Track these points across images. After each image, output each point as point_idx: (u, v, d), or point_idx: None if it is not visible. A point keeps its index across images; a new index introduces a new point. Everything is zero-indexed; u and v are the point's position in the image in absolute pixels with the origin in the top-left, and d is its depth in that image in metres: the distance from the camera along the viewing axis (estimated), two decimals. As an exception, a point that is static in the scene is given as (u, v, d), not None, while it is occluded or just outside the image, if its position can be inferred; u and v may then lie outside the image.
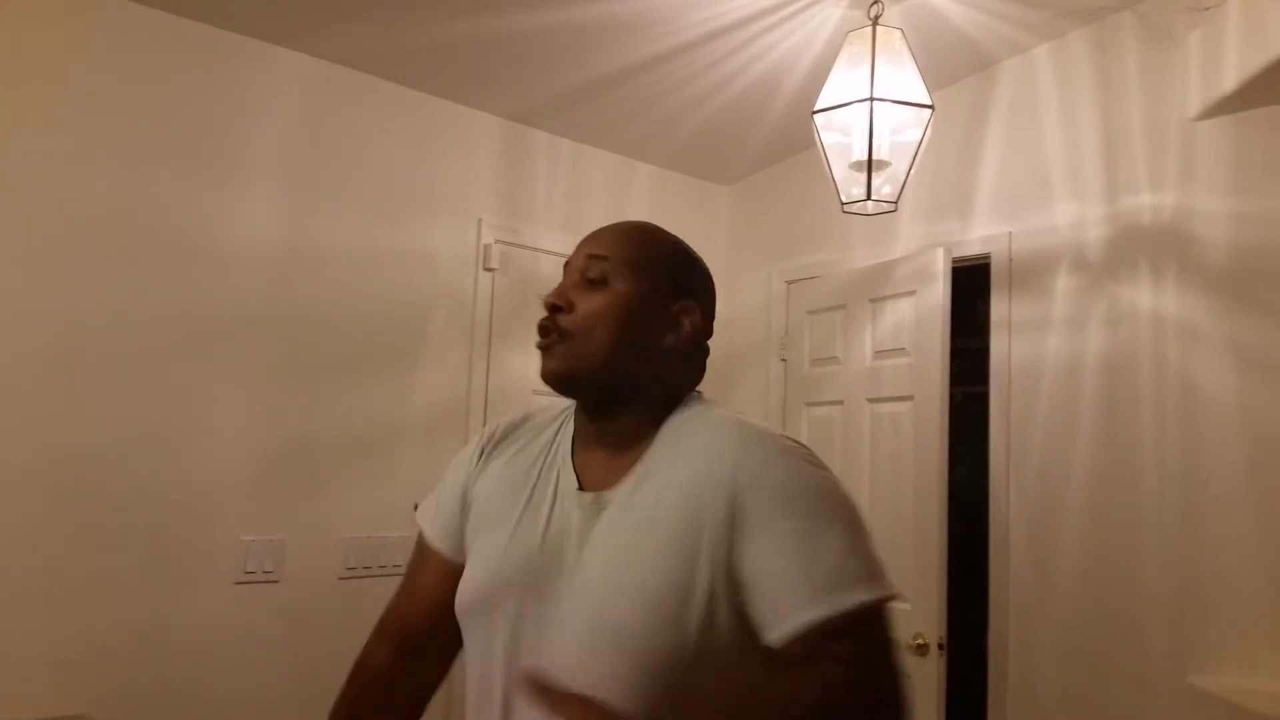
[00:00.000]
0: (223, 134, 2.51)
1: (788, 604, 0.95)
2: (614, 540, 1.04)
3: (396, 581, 2.90)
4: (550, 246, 3.09)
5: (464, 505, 1.21)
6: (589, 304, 1.11)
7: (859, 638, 0.94)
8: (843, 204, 2.31)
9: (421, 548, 1.25)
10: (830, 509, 1.00)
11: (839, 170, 2.29)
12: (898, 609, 2.83)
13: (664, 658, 0.98)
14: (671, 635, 0.98)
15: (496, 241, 3.03)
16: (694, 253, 1.20)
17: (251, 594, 2.47)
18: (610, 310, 1.10)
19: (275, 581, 2.51)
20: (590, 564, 1.04)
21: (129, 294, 2.34)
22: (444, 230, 2.93)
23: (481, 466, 1.22)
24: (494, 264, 3.01)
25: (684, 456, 1.06)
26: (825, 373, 3.16)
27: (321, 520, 2.61)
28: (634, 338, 1.11)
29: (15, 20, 2.21)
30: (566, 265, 1.17)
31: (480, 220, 3.00)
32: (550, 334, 1.11)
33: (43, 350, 2.21)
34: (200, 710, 2.34)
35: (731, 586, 0.98)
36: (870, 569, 0.97)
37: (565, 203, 3.24)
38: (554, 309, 1.12)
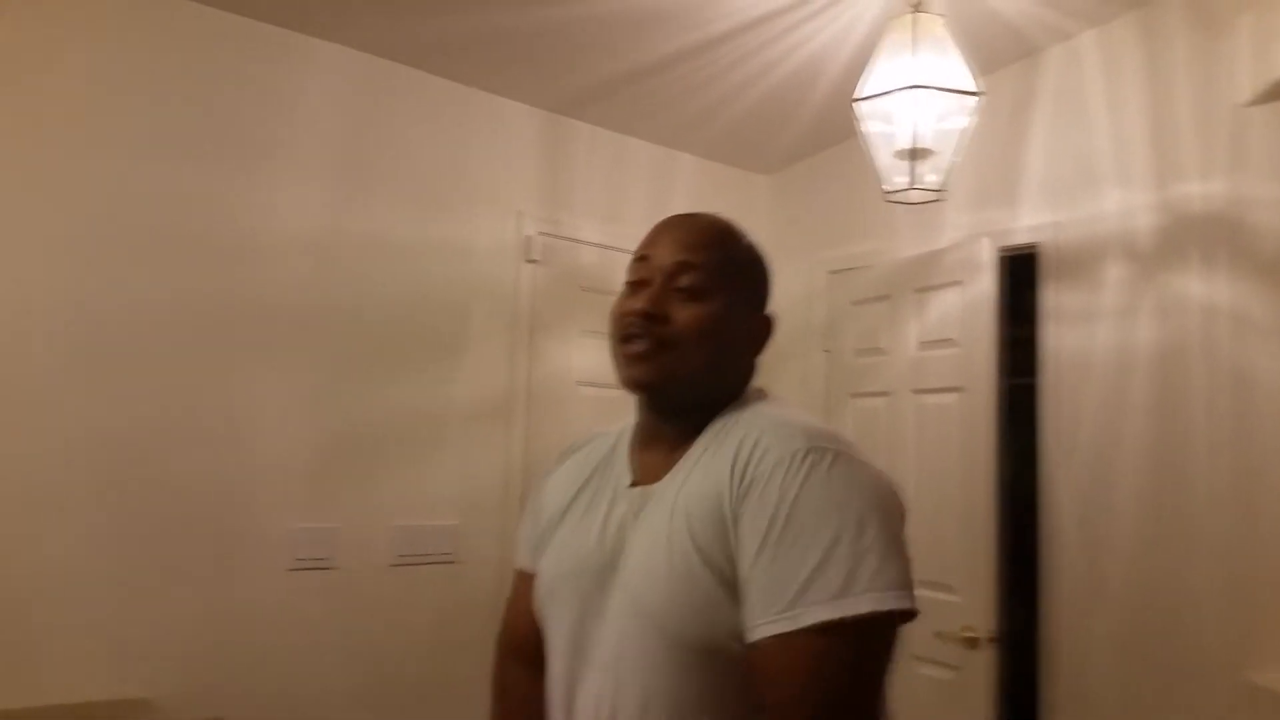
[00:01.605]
0: (265, 127, 2.56)
1: (756, 611, 0.95)
2: (651, 529, 1.08)
3: (446, 569, 2.94)
4: (591, 238, 3.12)
5: (539, 518, 1.27)
6: (686, 315, 1.10)
7: (817, 653, 0.92)
8: (886, 193, 2.30)
9: (519, 571, 1.32)
10: (825, 519, 0.95)
11: (882, 159, 2.28)
12: (941, 602, 2.78)
13: (693, 642, 1.00)
14: (696, 620, 1.00)
15: (538, 233, 3.05)
16: (764, 253, 1.22)
17: (305, 580, 2.53)
18: (709, 325, 1.11)
19: (329, 569, 2.57)
20: (632, 553, 1.08)
21: (180, 287, 2.40)
22: (486, 222, 2.96)
23: (552, 478, 1.29)
24: (536, 256, 3.03)
25: (721, 450, 1.07)
26: (870, 364, 3.14)
27: (372, 508, 2.66)
28: (726, 351, 1.14)
29: (57, 18, 2.27)
30: (642, 262, 1.16)
31: (522, 212, 3.03)
32: (642, 340, 1.10)
33: (100, 344, 2.28)
34: (256, 693, 2.41)
35: (726, 589, 0.99)
36: (848, 583, 0.92)
37: (606, 194, 3.25)
38: (648, 316, 1.10)
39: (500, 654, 1.34)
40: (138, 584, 2.29)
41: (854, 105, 2.26)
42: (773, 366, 1.16)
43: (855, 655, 0.93)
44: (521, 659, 1.28)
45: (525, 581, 1.28)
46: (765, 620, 0.94)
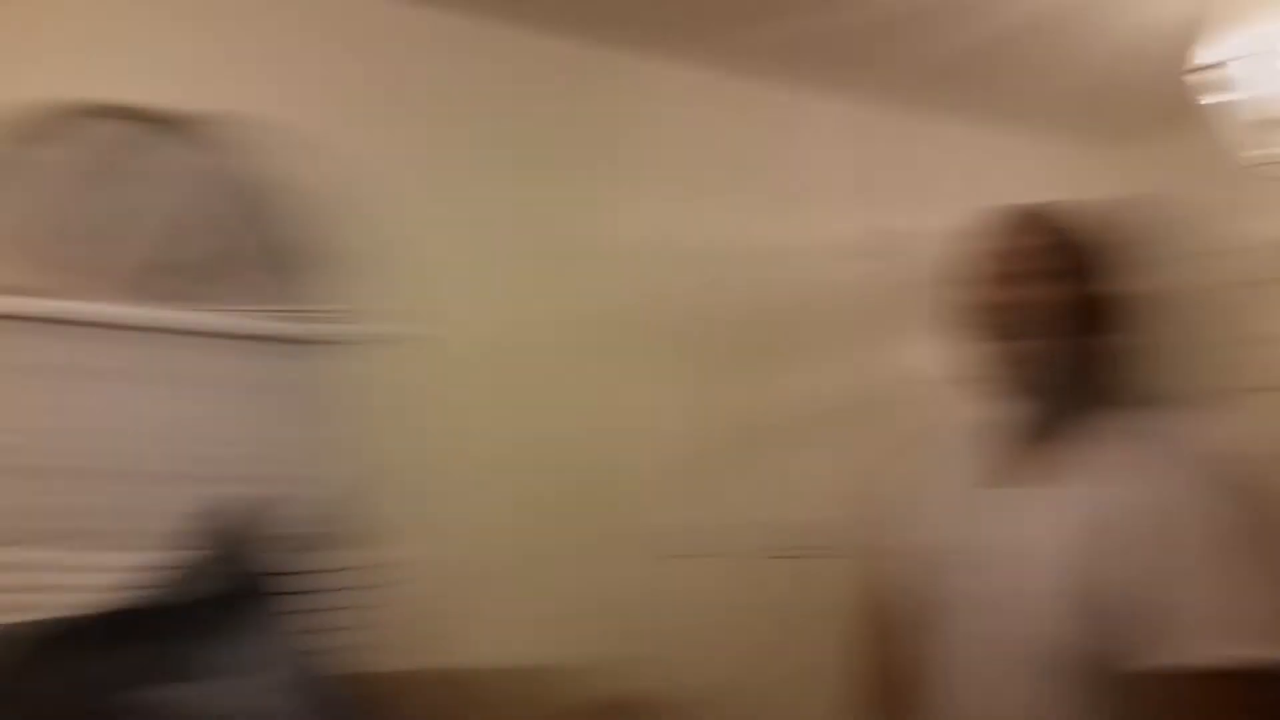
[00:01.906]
0: (624, 149, 2.81)
1: (1151, 640, 0.93)
2: (1020, 536, 1.06)
3: (815, 564, 2.99)
4: (928, 230, 3.06)
5: (899, 500, 1.32)
6: (1050, 298, 1.10)
7: (1212, 695, 0.89)
8: (1254, 166, 2.11)
9: (879, 548, 1.35)
10: (1232, 555, 0.93)
11: (1243, 129, 2.10)
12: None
13: (1041, 657, 0.99)
14: (1054, 637, 0.99)
15: (876, 229, 3.07)
16: (1123, 235, 1.20)
17: (686, 568, 2.71)
18: (1072, 306, 1.10)
19: (707, 557, 2.74)
20: (994, 557, 1.07)
21: (562, 296, 2.66)
22: (824, 221, 3.04)
23: (914, 463, 1.32)
24: (875, 252, 3.05)
25: (1107, 466, 1.04)
26: (1260, 356, 2.83)
27: (746, 502, 2.83)
28: (1095, 336, 1.13)
29: (424, 59, 2.59)
30: (995, 252, 1.17)
31: (858, 208, 3.09)
32: (1018, 332, 1.11)
33: (515, 355, 2.57)
34: (649, 672, 2.55)
35: (1112, 606, 0.96)
36: (1253, 623, 0.90)
37: (940, 183, 3.21)
38: (1020, 306, 1.11)
39: (859, 622, 1.38)
40: (551, 567, 2.54)
41: (1208, 71, 2.11)
42: (1151, 360, 1.15)
43: (1262, 700, 0.90)
44: (879, 628, 1.32)
45: (884, 558, 1.31)
46: (1162, 651, 0.92)
